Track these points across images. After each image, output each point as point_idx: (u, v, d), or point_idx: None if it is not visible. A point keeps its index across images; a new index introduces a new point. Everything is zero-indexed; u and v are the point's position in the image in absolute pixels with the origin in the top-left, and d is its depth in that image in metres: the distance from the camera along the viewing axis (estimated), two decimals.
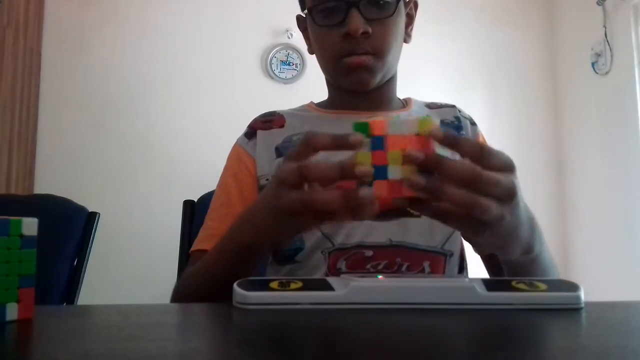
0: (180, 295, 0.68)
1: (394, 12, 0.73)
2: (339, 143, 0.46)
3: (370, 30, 0.71)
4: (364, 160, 0.45)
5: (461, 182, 0.44)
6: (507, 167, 0.47)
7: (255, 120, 0.84)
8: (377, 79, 0.76)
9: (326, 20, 0.74)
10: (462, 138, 0.46)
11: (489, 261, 0.79)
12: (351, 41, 0.72)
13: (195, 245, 0.76)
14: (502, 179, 0.45)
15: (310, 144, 0.48)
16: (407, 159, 0.44)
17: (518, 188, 0.47)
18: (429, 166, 0.44)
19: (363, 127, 0.46)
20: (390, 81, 0.81)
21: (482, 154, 0.45)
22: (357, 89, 0.76)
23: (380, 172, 0.45)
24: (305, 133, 0.49)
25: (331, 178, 0.45)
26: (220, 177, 0.82)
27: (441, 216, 0.48)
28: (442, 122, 0.82)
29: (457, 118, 0.83)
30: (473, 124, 0.84)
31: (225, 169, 0.82)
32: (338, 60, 0.74)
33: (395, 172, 0.45)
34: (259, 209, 0.55)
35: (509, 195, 0.46)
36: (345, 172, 0.45)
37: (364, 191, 0.44)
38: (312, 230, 0.58)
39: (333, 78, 0.80)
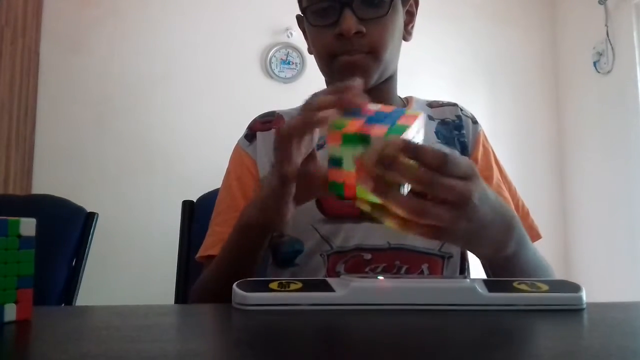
0: (201, 294, 0.69)
1: (388, 11, 0.72)
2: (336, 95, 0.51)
3: (364, 29, 0.71)
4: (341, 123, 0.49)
5: (416, 185, 0.45)
6: (466, 175, 0.47)
7: (254, 121, 0.84)
8: (374, 78, 0.75)
9: (320, 21, 0.74)
10: (423, 147, 0.46)
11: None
12: (344, 41, 0.71)
13: (204, 251, 0.76)
14: (456, 184, 0.46)
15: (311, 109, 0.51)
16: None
17: (475, 193, 0.47)
18: (385, 161, 0.44)
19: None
20: (390, 80, 0.80)
21: (442, 163, 0.45)
22: None
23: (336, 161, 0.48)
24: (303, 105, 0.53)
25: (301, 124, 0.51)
26: (224, 180, 0.82)
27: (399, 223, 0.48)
28: (442, 120, 0.82)
29: (459, 117, 0.83)
30: (475, 122, 0.84)
31: (228, 172, 0.82)
32: (332, 60, 0.74)
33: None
34: (262, 191, 0.60)
35: (463, 201, 0.46)
36: (308, 114, 0.51)
37: (323, 112, 0.49)
38: (311, 199, 0.64)
39: (329, 77, 0.80)
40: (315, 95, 0.53)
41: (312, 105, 0.51)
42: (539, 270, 0.64)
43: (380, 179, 0.45)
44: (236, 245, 0.63)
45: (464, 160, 0.48)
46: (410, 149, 0.45)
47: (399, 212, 0.45)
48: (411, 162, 0.45)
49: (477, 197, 0.47)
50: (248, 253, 0.63)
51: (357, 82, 0.51)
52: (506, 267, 0.58)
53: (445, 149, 0.52)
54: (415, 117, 0.49)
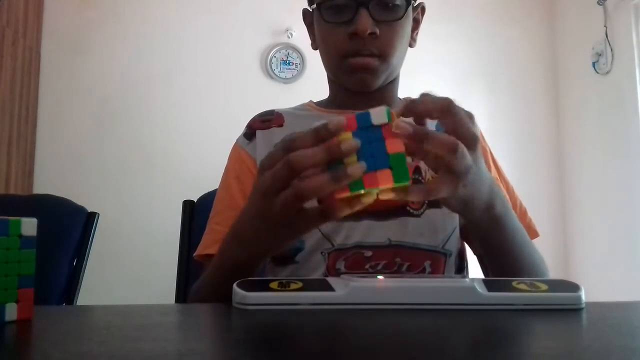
0: (198, 300, 0.68)
1: (403, 15, 0.73)
2: (320, 135, 0.46)
3: (377, 31, 0.71)
4: (347, 137, 0.45)
5: (438, 113, 0.48)
6: (470, 118, 0.50)
7: (253, 120, 0.84)
8: (380, 80, 0.76)
9: (334, 18, 0.73)
10: (421, 100, 0.48)
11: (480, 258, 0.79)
12: (357, 41, 0.71)
13: (203, 250, 0.76)
14: (470, 124, 0.49)
15: (288, 150, 0.46)
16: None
17: (473, 134, 0.49)
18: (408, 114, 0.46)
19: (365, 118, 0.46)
20: (393, 82, 0.81)
21: (448, 108, 0.48)
22: (359, 89, 0.76)
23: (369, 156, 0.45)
24: (281, 140, 0.48)
25: (320, 160, 0.45)
26: (222, 179, 0.82)
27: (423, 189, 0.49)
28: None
29: None
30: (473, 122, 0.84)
31: (227, 170, 0.82)
32: (343, 59, 0.74)
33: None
34: (245, 225, 0.54)
35: (474, 141, 0.49)
36: (332, 150, 0.45)
37: (353, 167, 0.44)
38: (310, 230, 0.58)
39: (336, 76, 0.80)
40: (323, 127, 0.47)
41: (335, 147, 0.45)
42: (528, 245, 0.66)
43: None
44: (222, 276, 0.59)
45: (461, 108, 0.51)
46: (410, 106, 0.48)
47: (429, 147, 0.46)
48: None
49: (468, 158, 0.48)
50: (237, 279, 0.58)
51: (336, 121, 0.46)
52: (495, 229, 0.59)
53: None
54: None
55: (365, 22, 0.70)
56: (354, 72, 0.74)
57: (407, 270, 0.72)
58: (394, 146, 0.45)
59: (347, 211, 0.47)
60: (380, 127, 0.45)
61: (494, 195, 0.55)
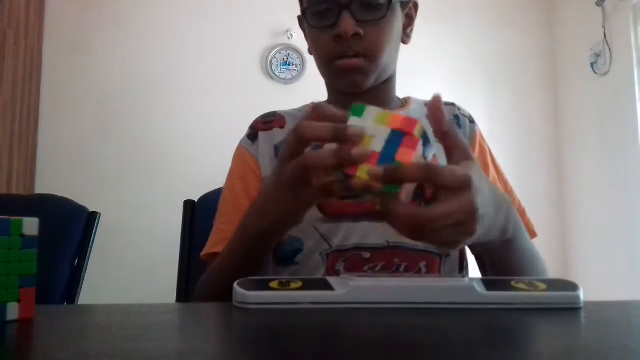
0: (203, 294, 0.69)
1: (386, 14, 0.73)
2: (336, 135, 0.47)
3: (361, 32, 0.71)
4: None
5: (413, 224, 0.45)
6: (461, 184, 0.45)
7: (256, 121, 0.85)
8: (371, 81, 0.76)
9: (319, 22, 0.74)
10: (399, 167, 0.44)
11: (481, 260, 0.79)
12: (342, 43, 0.72)
13: (209, 249, 0.76)
14: (453, 207, 0.44)
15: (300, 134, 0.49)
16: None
17: (476, 202, 0.45)
18: (387, 179, 0.44)
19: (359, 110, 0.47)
20: (389, 81, 0.81)
21: (427, 176, 0.45)
22: (351, 90, 0.76)
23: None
24: (295, 125, 0.50)
25: (325, 136, 0.47)
26: (227, 180, 0.82)
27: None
28: None
29: (456, 117, 0.83)
30: (472, 122, 0.84)
31: (231, 171, 0.82)
32: (331, 62, 0.74)
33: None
34: (264, 195, 0.58)
35: (469, 215, 0.45)
36: (338, 130, 0.46)
37: (358, 150, 0.45)
38: (316, 203, 0.61)
39: (329, 79, 0.81)
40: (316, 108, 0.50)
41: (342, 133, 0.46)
42: (537, 260, 0.65)
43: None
44: (240, 252, 0.62)
45: (452, 169, 0.47)
46: (391, 172, 0.44)
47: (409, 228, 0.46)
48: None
49: (480, 203, 0.45)
50: (252, 261, 0.62)
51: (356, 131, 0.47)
52: (505, 251, 0.58)
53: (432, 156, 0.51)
54: (417, 141, 0.46)
55: (347, 23, 0.70)
56: (343, 74, 0.74)
57: (404, 271, 0.72)
58: (404, 156, 0.45)
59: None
60: (405, 133, 0.46)
61: (507, 221, 0.54)
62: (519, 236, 0.59)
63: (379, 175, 0.44)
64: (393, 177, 0.44)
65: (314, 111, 0.50)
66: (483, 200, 0.46)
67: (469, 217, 0.45)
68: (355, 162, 0.44)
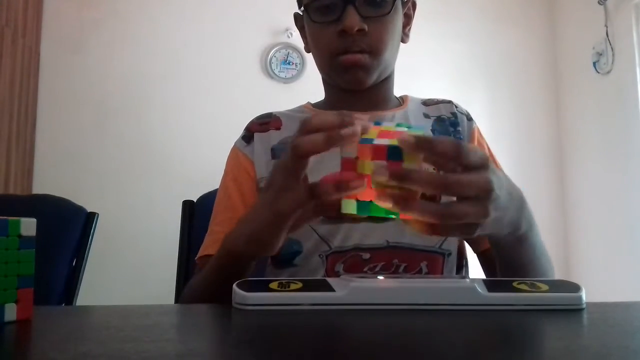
0: (187, 301, 0.68)
1: (390, 10, 0.73)
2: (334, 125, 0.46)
3: (366, 27, 0.71)
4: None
5: (433, 190, 0.45)
6: (482, 162, 0.46)
7: (251, 123, 0.84)
8: (373, 77, 0.75)
9: (322, 17, 0.74)
10: (436, 139, 0.45)
11: (484, 257, 0.79)
12: (347, 38, 0.71)
13: (202, 252, 0.76)
14: (474, 179, 0.45)
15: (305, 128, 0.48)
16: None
17: (494, 182, 0.46)
18: (396, 180, 0.43)
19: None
20: (387, 80, 0.81)
21: (458, 152, 0.45)
22: (352, 87, 0.76)
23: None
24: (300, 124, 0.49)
25: (322, 146, 0.46)
26: (221, 182, 0.82)
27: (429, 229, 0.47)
28: (438, 118, 0.82)
29: (454, 114, 0.83)
30: (470, 119, 0.84)
31: (226, 173, 0.82)
32: (333, 58, 0.74)
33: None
34: (252, 216, 0.55)
35: (485, 193, 0.45)
36: (332, 133, 0.46)
37: (346, 130, 0.44)
38: (308, 222, 0.58)
39: (329, 76, 0.80)
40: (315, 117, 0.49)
41: (328, 122, 0.47)
42: (546, 259, 0.64)
43: (398, 194, 0.44)
44: (221, 269, 0.60)
45: (475, 147, 0.47)
46: (424, 143, 0.43)
47: (427, 219, 0.44)
48: (424, 169, 0.44)
49: (496, 184, 0.46)
50: (232, 275, 0.57)
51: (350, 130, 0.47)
52: (519, 249, 0.57)
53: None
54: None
55: (352, 19, 0.70)
56: (346, 70, 0.74)
57: (404, 272, 0.72)
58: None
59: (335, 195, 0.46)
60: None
61: (520, 215, 0.53)
62: (532, 230, 0.58)
63: (411, 145, 0.43)
64: (425, 147, 0.43)
65: (304, 125, 0.48)
66: (499, 182, 0.46)
67: (486, 194, 0.45)
68: (345, 141, 0.45)
